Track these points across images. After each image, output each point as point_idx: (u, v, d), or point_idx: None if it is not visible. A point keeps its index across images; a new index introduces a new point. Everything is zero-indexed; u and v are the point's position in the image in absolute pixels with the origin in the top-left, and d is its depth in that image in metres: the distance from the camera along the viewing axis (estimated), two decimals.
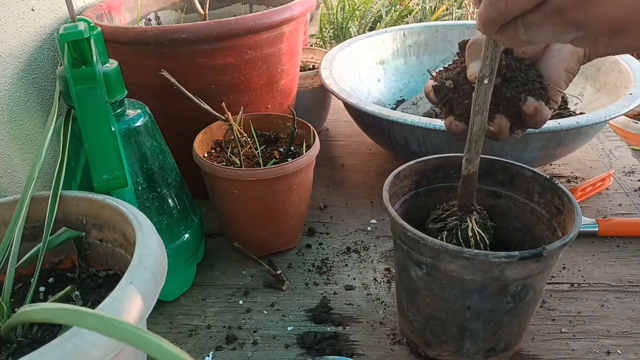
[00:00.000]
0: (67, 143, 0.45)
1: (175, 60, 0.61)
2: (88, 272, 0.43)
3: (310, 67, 0.96)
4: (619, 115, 0.62)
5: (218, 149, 0.65)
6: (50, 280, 0.43)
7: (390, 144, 0.71)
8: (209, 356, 0.51)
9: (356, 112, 0.72)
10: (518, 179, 0.51)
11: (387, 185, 0.48)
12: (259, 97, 0.69)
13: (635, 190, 0.75)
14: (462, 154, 0.44)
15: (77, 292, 0.41)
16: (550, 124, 0.60)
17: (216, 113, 0.59)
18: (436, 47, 0.97)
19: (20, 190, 0.48)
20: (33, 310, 0.29)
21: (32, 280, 0.39)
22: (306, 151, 0.60)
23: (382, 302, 0.57)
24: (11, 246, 0.39)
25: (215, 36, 0.59)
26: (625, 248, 0.64)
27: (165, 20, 0.85)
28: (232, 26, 0.59)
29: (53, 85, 0.63)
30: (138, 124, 0.52)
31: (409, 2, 1.61)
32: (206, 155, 0.63)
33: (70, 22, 0.45)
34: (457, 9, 1.60)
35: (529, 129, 0.44)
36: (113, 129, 0.44)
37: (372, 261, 0.63)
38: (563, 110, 0.80)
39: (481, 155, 0.43)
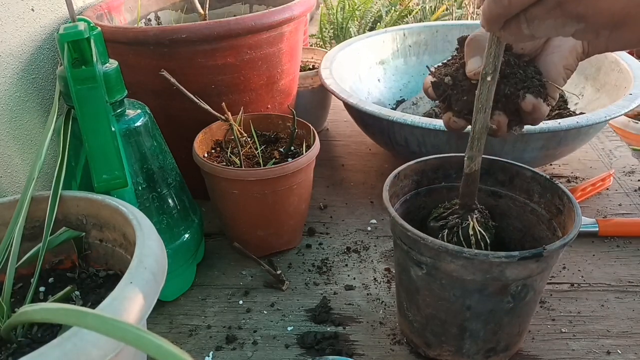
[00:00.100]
0: (67, 143, 0.45)
1: (175, 60, 0.61)
2: (88, 272, 0.43)
3: (310, 67, 0.96)
4: (619, 116, 0.62)
5: (218, 149, 0.65)
6: (50, 280, 0.43)
7: (390, 144, 0.71)
8: (209, 356, 0.51)
9: (356, 112, 0.72)
10: (518, 179, 0.51)
11: (387, 185, 0.48)
12: (259, 97, 0.69)
13: (635, 190, 0.75)
14: (462, 154, 0.44)
15: (77, 292, 0.41)
16: (550, 124, 0.60)
17: (216, 113, 0.59)
18: (436, 47, 0.97)
19: (20, 190, 0.48)
20: (33, 310, 0.29)
21: (32, 280, 0.39)
22: (306, 151, 0.60)
23: (382, 302, 0.57)
24: (11, 246, 0.39)
25: (215, 36, 0.59)
26: (625, 248, 0.64)
27: (165, 20, 0.85)
28: (232, 26, 0.59)
29: (53, 85, 0.63)
30: (138, 124, 0.52)
31: (409, 2, 1.61)
32: (206, 155, 0.63)
33: (70, 22, 0.45)
34: (457, 9, 1.60)
35: (527, 127, 0.44)
36: (113, 129, 0.44)
37: (372, 261, 0.63)
38: (563, 110, 0.80)
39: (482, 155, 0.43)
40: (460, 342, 0.45)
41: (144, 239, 0.35)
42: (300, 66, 0.88)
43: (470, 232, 0.44)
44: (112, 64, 0.49)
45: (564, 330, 0.53)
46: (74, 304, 0.38)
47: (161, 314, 0.56)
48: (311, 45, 1.46)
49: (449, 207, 0.48)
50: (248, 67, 0.65)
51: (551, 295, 0.57)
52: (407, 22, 1.54)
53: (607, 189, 0.75)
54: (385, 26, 1.46)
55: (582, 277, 0.60)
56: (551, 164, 0.81)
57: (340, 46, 0.90)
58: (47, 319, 0.28)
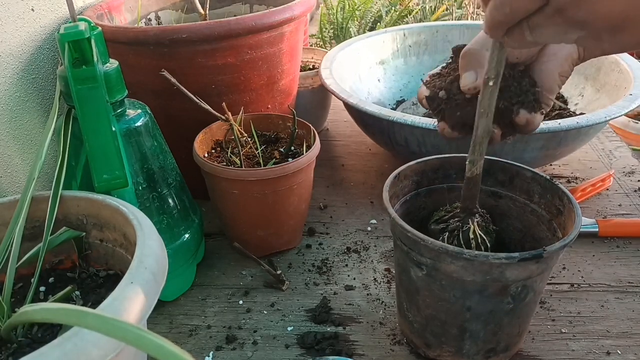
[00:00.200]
0: (68, 143, 0.45)
1: (175, 60, 0.61)
2: (88, 272, 0.43)
3: (310, 67, 0.96)
4: (619, 116, 0.62)
5: (218, 149, 0.65)
6: (51, 280, 0.43)
7: (390, 144, 0.71)
8: (209, 356, 0.51)
9: (356, 112, 0.72)
10: (518, 180, 0.51)
11: (387, 186, 0.48)
12: (259, 97, 0.69)
13: (635, 191, 0.75)
14: (462, 154, 0.44)
15: (77, 292, 0.41)
16: (550, 124, 0.60)
17: (216, 113, 0.59)
18: (436, 47, 0.97)
19: (21, 190, 0.48)
20: (33, 310, 0.29)
21: (32, 280, 0.39)
22: (306, 151, 0.60)
23: (382, 302, 0.57)
24: (11, 246, 0.39)
25: (215, 36, 0.59)
26: (625, 248, 0.64)
27: (165, 20, 0.85)
28: (232, 26, 0.59)
29: (53, 85, 0.63)
30: (138, 124, 0.52)
31: (409, 2, 1.62)
32: (206, 155, 0.63)
33: (70, 22, 0.45)
34: (457, 9, 1.60)
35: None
36: (113, 128, 0.44)
37: (372, 261, 0.63)
38: (563, 111, 0.80)
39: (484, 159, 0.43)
40: (460, 342, 0.45)
41: (144, 239, 0.35)
42: (300, 66, 0.88)
43: (471, 235, 0.44)
44: (113, 63, 0.49)
45: (564, 331, 0.53)
46: (74, 304, 0.38)
47: (161, 314, 0.56)
48: (311, 45, 1.47)
49: (450, 210, 0.48)
50: (248, 67, 0.65)
51: (551, 295, 0.57)
52: (407, 22, 1.54)
53: (607, 189, 0.75)
54: (385, 26, 1.46)
55: (582, 277, 0.60)
56: (551, 165, 0.81)
57: (340, 46, 0.90)
58: (48, 319, 0.28)
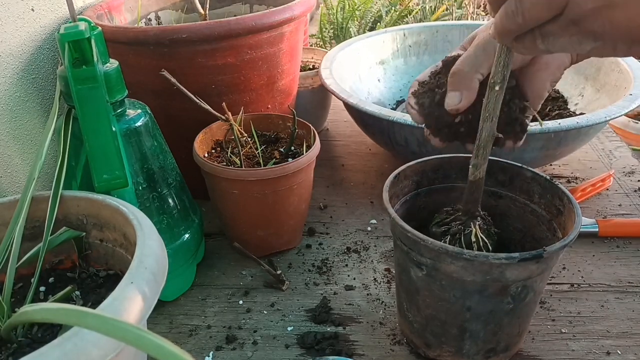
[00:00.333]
0: (68, 143, 0.45)
1: (175, 60, 0.61)
2: (88, 272, 0.43)
3: (310, 67, 0.96)
4: (619, 116, 0.62)
5: (218, 149, 0.65)
6: (51, 280, 0.43)
7: (390, 144, 0.71)
8: (209, 356, 0.51)
9: (356, 112, 0.72)
10: (518, 180, 0.51)
11: (387, 186, 0.48)
12: (259, 97, 0.69)
13: (635, 191, 0.75)
14: (463, 155, 0.44)
15: (77, 292, 0.41)
16: (550, 124, 0.60)
17: (216, 113, 0.59)
18: (436, 47, 0.97)
19: (21, 190, 0.48)
20: (33, 310, 0.29)
21: (32, 280, 0.39)
22: (306, 151, 0.60)
23: (382, 302, 0.57)
24: (11, 246, 0.39)
25: (215, 36, 0.59)
26: (625, 248, 0.64)
27: (165, 20, 0.85)
28: (232, 26, 0.59)
29: (53, 85, 0.63)
30: (138, 124, 0.52)
31: (409, 2, 1.62)
32: (206, 155, 0.63)
33: (70, 22, 0.45)
34: (457, 9, 1.60)
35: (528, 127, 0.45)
36: (114, 128, 0.44)
37: (372, 261, 0.63)
38: (563, 111, 0.80)
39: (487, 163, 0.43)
40: (460, 342, 0.45)
41: (144, 239, 0.35)
42: (300, 66, 0.88)
43: (473, 239, 0.44)
44: (113, 63, 0.49)
45: (564, 331, 0.53)
46: (74, 304, 0.38)
47: (161, 314, 0.56)
48: (311, 45, 1.47)
49: (452, 213, 0.48)
50: (248, 67, 0.65)
51: (551, 295, 0.57)
52: (407, 22, 1.55)
53: (607, 189, 0.75)
54: (385, 26, 1.46)
55: (582, 277, 0.60)
56: (551, 165, 0.81)
57: (340, 46, 0.90)
58: (48, 319, 0.28)
